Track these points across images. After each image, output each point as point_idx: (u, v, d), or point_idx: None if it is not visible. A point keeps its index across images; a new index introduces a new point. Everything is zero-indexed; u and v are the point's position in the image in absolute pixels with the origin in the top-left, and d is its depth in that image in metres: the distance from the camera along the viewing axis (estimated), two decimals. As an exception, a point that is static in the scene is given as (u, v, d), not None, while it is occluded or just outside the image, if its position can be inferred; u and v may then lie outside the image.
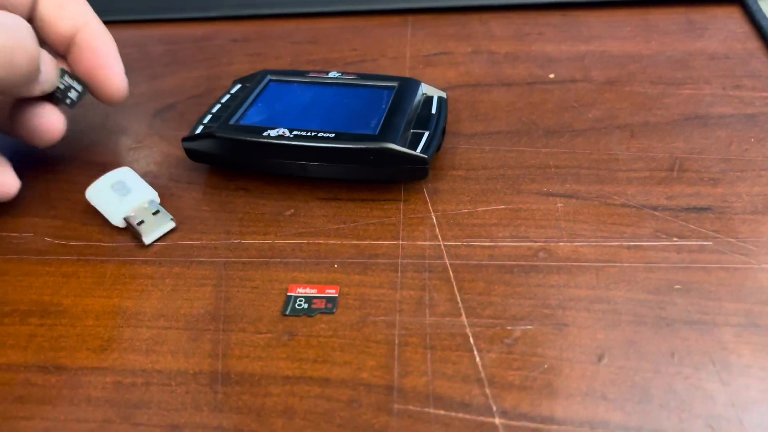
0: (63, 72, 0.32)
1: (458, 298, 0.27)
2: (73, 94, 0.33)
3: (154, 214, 0.31)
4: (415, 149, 0.31)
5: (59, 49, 0.33)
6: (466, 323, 0.26)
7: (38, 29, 0.32)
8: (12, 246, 0.32)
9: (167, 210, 0.32)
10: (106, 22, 0.33)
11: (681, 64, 0.39)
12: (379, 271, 0.29)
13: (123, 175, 0.32)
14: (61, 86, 0.32)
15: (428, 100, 0.35)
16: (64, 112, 0.33)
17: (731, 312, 0.26)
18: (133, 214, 0.31)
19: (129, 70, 0.34)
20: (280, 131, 0.32)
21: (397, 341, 0.26)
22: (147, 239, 0.31)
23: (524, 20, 0.44)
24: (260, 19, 0.47)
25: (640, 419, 0.23)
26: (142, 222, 0.31)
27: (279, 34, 0.45)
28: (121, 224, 0.31)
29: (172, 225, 0.32)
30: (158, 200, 0.32)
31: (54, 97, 0.32)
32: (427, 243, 0.30)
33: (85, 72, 0.33)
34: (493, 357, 0.25)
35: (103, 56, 0.32)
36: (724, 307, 0.26)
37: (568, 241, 0.29)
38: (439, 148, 0.32)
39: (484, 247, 0.29)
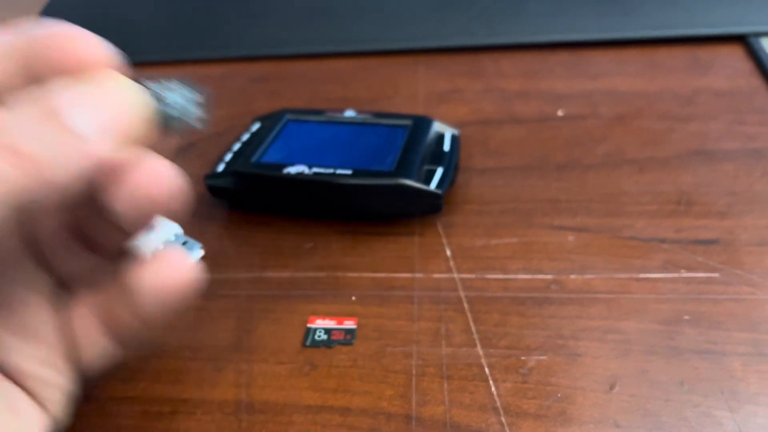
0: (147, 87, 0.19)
1: (473, 329, 0.28)
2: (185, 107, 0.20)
3: (184, 244, 0.32)
4: (429, 185, 0.32)
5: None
6: (481, 354, 0.27)
7: None
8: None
9: (190, 245, 0.33)
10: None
11: (687, 101, 0.40)
12: (395, 302, 0.30)
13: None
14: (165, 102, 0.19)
15: (441, 137, 0.36)
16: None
17: (739, 341, 0.26)
18: (163, 248, 0.32)
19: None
20: (300, 168, 0.33)
21: (414, 371, 0.27)
22: None
23: (534, 58, 0.45)
24: (278, 59, 0.49)
25: (652, 446, 0.23)
26: None
27: (296, 73, 0.47)
28: None
29: (201, 252, 0.32)
30: (182, 232, 0.33)
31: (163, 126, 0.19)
32: (442, 275, 0.31)
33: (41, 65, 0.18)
34: (509, 386, 0.26)
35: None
36: (732, 336, 0.27)
37: (579, 274, 0.30)
38: (452, 183, 0.34)
39: (498, 279, 0.30)
